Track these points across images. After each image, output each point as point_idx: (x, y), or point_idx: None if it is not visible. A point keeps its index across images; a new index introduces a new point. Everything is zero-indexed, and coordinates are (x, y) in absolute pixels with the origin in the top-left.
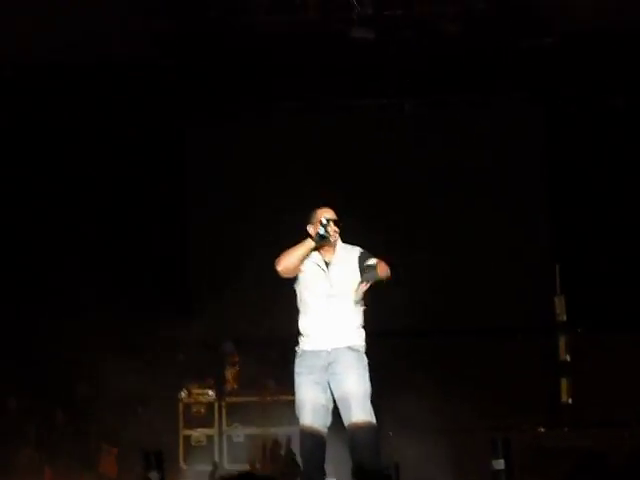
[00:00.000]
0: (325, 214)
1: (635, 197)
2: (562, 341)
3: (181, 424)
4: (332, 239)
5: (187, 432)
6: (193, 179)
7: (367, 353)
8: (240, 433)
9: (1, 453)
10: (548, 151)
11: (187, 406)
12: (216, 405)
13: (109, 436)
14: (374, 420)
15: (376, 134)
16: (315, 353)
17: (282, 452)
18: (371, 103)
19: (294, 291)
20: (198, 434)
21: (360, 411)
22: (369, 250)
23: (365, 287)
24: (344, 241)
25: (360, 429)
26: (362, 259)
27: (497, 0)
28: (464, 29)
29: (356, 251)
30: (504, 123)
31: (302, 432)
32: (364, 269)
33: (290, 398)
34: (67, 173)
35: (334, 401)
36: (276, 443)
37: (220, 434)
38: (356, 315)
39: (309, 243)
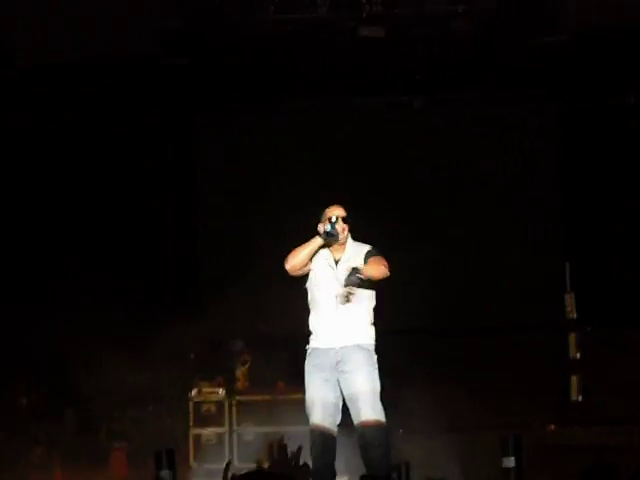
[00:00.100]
0: (334, 212)
1: None
2: (572, 338)
3: (191, 423)
4: (340, 237)
5: (197, 431)
6: (202, 177)
7: (377, 351)
8: (250, 432)
9: (12, 452)
10: (560, 148)
11: (197, 405)
12: (226, 404)
13: (120, 435)
14: (383, 419)
15: (386, 132)
16: (324, 351)
17: (291, 451)
18: (381, 101)
19: (305, 289)
20: (208, 433)
21: (369, 410)
22: (379, 247)
23: (347, 291)
24: (355, 239)
25: (369, 428)
26: (368, 257)
27: None
28: (475, 26)
29: (365, 248)
30: (516, 121)
31: (312, 430)
32: (349, 273)
33: (301, 397)
34: (77, 169)
35: (344, 399)
36: (283, 443)
37: (230, 433)
38: (365, 313)
39: (317, 241)
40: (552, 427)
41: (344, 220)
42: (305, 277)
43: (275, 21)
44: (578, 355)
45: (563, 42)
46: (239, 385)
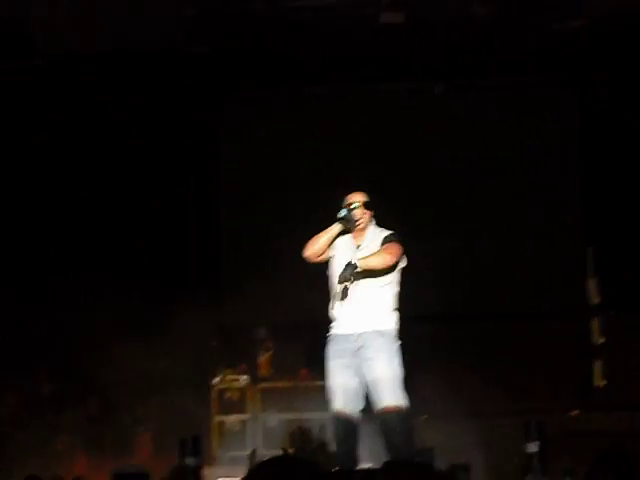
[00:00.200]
0: (355, 197)
1: None
2: (595, 324)
3: (214, 410)
4: (359, 223)
5: (221, 418)
6: (227, 164)
7: (400, 337)
8: (274, 418)
9: (36, 440)
10: (580, 133)
11: (220, 392)
12: (250, 391)
13: (143, 422)
14: (405, 405)
15: (406, 118)
16: (344, 337)
17: (315, 437)
18: (401, 87)
19: (327, 276)
20: (232, 420)
21: (389, 396)
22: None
23: (341, 286)
24: (380, 225)
25: (390, 414)
26: (384, 243)
27: None
28: (495, 11)
29: (384, 234)
30: (535, 106)
31: (334, 417)
32: (344, 268)
33: (323, 383)
34: (99, 160)
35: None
36: (307, 429)
37: (254, 420)
38: (385, 299)
39: (336, 227)
40: (575, 412)
41: (366, 206)
42: (327, 263)
43: (294, 8)
44: (601, 340)
45: (583, 27)
46: (262, 372)
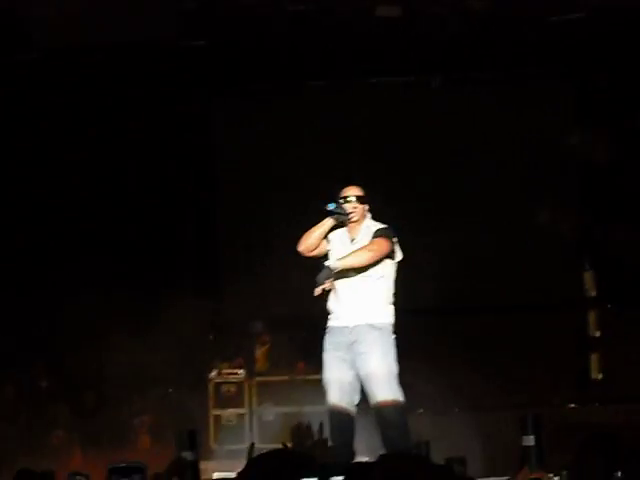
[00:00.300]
0: (349, 191)
1: None
2: (592, 317)
3: (211, 404)
4: (351, 216)
5: (217, 412)
6: (223, 158)
7: (397, 331)
8: (270, 412)
9: (32, 435)
10: (578, 126)
11: (217, 386)
12: (246, 384)
13: (139, 416)
14: (400, 398)
15: (403, 112)
16: (339, 329)
17: (313, 431)
18: (398, 81)
19: None
20: (228, 414)
21: (384, 390)
22: (394, 227)
23: (319, 290)
24: (378, 219)
25: (385, 408)
26: (374, 237)
27: None
28: (492, 4)
29: (376, 227)
30: (534, 98)
31: (330, 411)
32: (322, 271)
33: (320, 377)
34: (99, 150)
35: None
36: (308, 425)
37: (250, 413)
38: (379, 292)
39: (328, 221)
40: (572, 405)
41: (361, 200)
42: (325, 257)
43: (292, 1)
44: (598, 333)
45: (580, 20)
46: (259, 366)
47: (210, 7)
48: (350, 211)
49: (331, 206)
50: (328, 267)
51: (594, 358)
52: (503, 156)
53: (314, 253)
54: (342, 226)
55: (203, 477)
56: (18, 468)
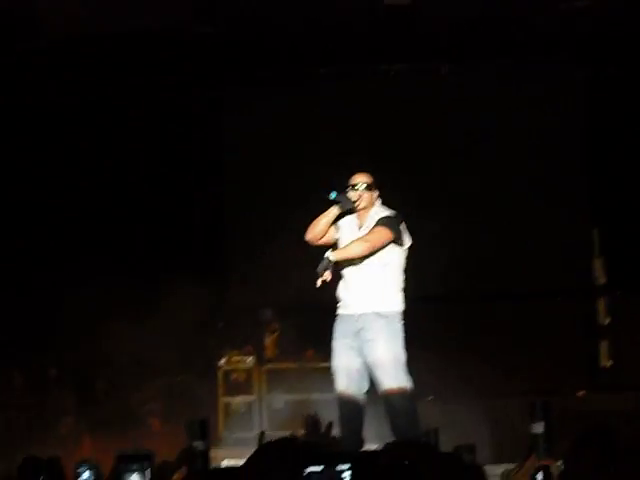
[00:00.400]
0: (357, 179)
1: None
2: (601, 304)
3: (220, 391)
4: (356, 204)
5: (227, 399)
6: (229, 146)
7: (405, 318)
8: (280, 400)
9: (41, 422)
10: (588, 114)
11: (226, 373)
12: (255, 372)
13: (149, 404)
14: (408, 386)
15: (412, 98)
16: (346, 317)
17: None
18: (407, 67)
19: None
20: (238, 401)
21: (391, 378)
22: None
23: (320, 280)
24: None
25: (393, 396)
26: (376, 225)
27: None
28: None
29: (382, 215)
30: (544, 86)
31: (338, 398)
32: (321, 262)
33: (329, 364)
34: (104, 138)
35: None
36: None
37: (260, 401)
38: (386, 279)
39: (333, 210)
40: (581, 393)
41: (370, 187)
42: (335, 245)
43: None
44: (607, 320)
45: (588, 7)
46: (268, 353)
47: None
48: (355, 199)
49: (332, 195)
50: (327, 258)
51: (603, 345)
52: (512, 144)
53: (322, 241)
54: (351, 213)
55: (212, 464)
56: (26, 455)
